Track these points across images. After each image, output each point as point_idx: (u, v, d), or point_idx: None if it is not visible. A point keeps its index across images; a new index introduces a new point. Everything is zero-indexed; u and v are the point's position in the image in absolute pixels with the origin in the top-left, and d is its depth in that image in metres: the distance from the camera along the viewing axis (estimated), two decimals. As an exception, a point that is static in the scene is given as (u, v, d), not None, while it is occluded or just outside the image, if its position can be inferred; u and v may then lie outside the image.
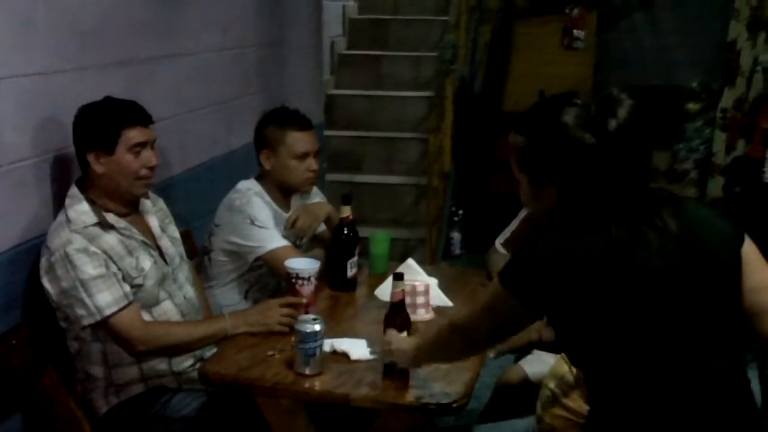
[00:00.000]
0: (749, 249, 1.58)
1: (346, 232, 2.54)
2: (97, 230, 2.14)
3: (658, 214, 1.52)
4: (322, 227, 2.77)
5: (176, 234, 2.43)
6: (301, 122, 2.70)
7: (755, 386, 1.72)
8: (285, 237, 2.64)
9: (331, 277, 2.58)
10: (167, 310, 2.28)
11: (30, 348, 2.12)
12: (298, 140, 2.67)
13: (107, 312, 2.08)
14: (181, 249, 2.43)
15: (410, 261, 2.46)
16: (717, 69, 5.24)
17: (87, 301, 2.06)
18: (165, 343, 2.17)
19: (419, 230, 4.91)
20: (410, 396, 1.88)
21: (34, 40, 2.19)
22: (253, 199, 2.64)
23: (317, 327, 1.92)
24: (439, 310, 2.35)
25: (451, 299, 2.41)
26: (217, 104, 3.41)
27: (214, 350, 2.28)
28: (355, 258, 2.56)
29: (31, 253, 2.19)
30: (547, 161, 1.56)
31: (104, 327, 2.11)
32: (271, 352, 2.06)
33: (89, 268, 2.07)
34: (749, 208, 4.12)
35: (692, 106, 5.34)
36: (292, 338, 1.98)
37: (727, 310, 1.55)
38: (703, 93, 5.35)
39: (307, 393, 1.93)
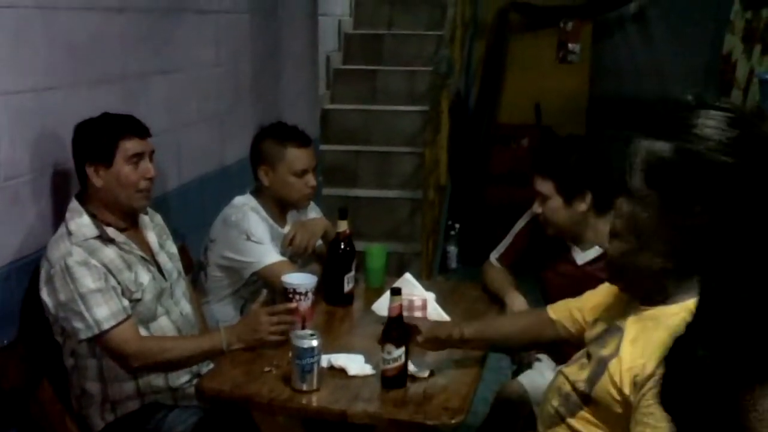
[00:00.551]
0: None
1: (342, 246, 2.54)
2: (97, 243, 2.15)
3: None
4: (319, 242, 2.77)
5: (174, 249, 2.44)
6: (300, 139, 2.71)
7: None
8: (281, 253, 2.64)
9: (328, 291, 2.57)
10: (164, 325, 2.28)
11: (25, 364, 2.11)
12: (298, 157, 2.68)
13: (105, 326, 2.08)
14: (179, 264, 2.43)
15: (408, 275, 2.46)
16: (711, 81, 5.26)
17: (85, 314, 2.06)
18: (160, 359, 2.17)
19: (415, 244, 4.91)
20: (408, 412, 1.87)
21: (27, 56, 2.20)
22: (249, 214, 2.64)
23: (314, 342, 1.92)
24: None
25: (449, 313, 2.40)
26: (211, 119, 3.42)
27: (211, 366, 2.28)
28: (352, 272, 2.57)
29: (28, 268, 2.19)
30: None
31: (100, 341, 2.10)
32: (267, 368, 2.06)
33: (89, 281, 2.07)
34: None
35: (687, 119, 5.34)
36: (289, 353, 1.98)
37: None
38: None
39: (304, 409, 1.92)
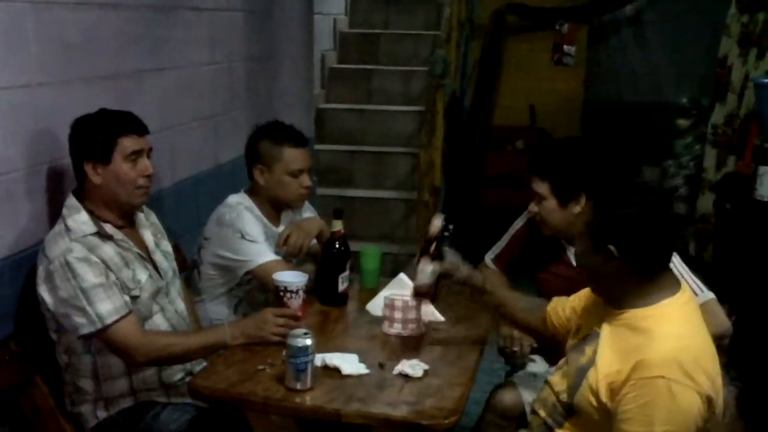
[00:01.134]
0: None
1: (337, 246, 2.55)
2: (96, 240, 2.15)
3: None
4: (313, 242, 2.78)
5: (169, 248, 2.44)
6: (297, 139, 2.72)
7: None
8: (276, 252, 2.65)
9: (322, 291, 2.58)
10: (159, 323, 2.28)
11: (18, 361, 2.11)
12: (294, 157, 2.68)
13: (108, 320, 2.08)
14: (174, 263, 2.44)
15: (402, 276, 2.47)
16: (707, 85, 5.29)
17: (88, 309, 2.07)
18: (164, 353, 2.17)
19: (410, 245, 4.92)
20: (402, 411, 1.88)
21: (21, 53, 2.20)
22: (243, 214, 2.65)
23: (308, 341, 1.93)
24: (430, 325, 2.36)
25: (443, 314, 2.41)
26: (204, 118, 3.42)
27: (204, 364, 2.29)
28: (347, 272, 2.57)
29: (22, 265, 2.20)
30: None
31: (103, 336, 2.11)
32: (261, 367, 2.06)
33: (90, 277, 2.08)
34: (740, 224, 4.15)
35: (682, 122, 5.38)
36: (283, 353, 1.99)
37: None
38: (693, 109, 5.39)
39: (298, 408, 1.93)
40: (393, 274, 2.61)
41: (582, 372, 1.84)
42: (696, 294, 2.17)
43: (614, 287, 1.81)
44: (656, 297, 1.77)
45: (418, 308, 2.31)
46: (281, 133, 2.72)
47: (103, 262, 2.12)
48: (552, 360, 2.38)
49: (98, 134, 2.17)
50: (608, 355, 1.78)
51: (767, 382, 1.25)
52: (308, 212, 2.90)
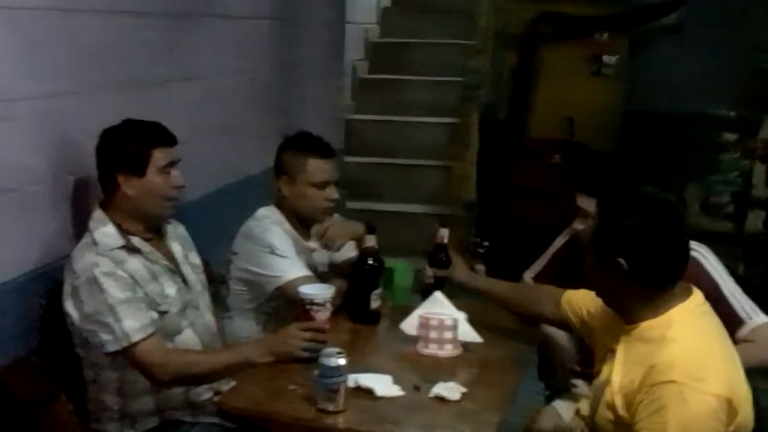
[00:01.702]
0: None
1: (370, 262, 2.54)
2: (123, 254, 2.16)
3: None
4: (350, 253, 2.76)
5: (197, 261, 2.45)
6: (322, 150, 2.71)
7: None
8: (307, 262, 2.64)
9: (353, 309, 2.56)
10: (188, 339, 2.28)
11: (42, 376, 2.12)
12: (319, 169, 2.67)
13: (135, 338, 2.09)
14: (203, 276, 2.44)
15: (438, 294, 2.44)
16: (753, 97, 5.22)
17: (114, 326, 2.07)
18: (188, 372, 2.17)
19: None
20: (438, 436, 1.86)
21: (45, 62, 2.23)
22: (272, 227, 2.64)
23: (341, 361, 1.91)
24: (467, 346, 2.34)
25: (480, 334, 2.38)
26: (230, 129, 3.44)
27: (233, 383, 2.28)
28: (380, 289, 2.56)
29: (47, 278, 2.21)
30: None
31: (128, 354, 2.11)
32: (291, 386, 2.05)
33: (117, 292, 2.09)
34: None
35: (728, 136, 5.31)
36: (314, 372, 1.97)
37: None
38: (739, 123, 5.32)
39: (329, 430, 1.91)
40: (422, 292, 2.58)
41: (599, 391, 1.85)
42: (744, 319, 2.14)
43: (624, 300, 1.83)
44: (667, 306, 1.78)
45: (454, 328, 2.29)
46: (306, 143, 2.72)
47: (131, 276, 2.13)
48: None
49: (132, 146, 2.19)
50: (623, 369, 1.80)
51: None
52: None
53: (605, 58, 6.05)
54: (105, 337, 2.09)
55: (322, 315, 2.23)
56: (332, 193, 2.70)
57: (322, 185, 2.67)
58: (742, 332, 2.14)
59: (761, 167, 4.92)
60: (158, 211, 2.26)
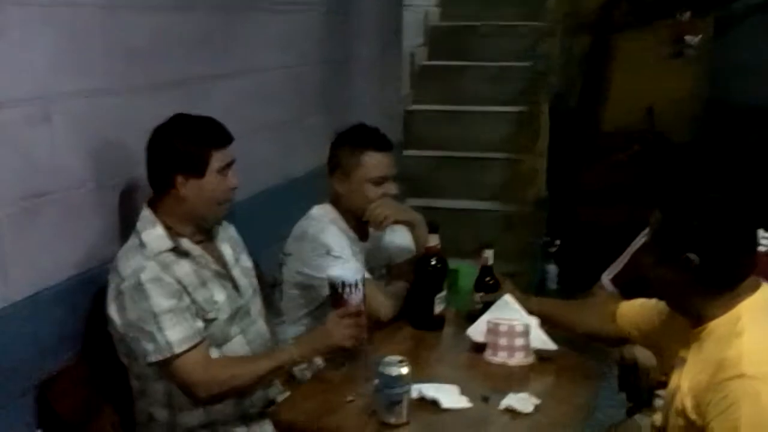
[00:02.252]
0: None
1: (433, 263, 2.52)
2: (171, 257, 2.18)
3: None
4: (399, 239, 2.74)
5: (248, 264, 2.46)
6: (378, 143, 2.69)
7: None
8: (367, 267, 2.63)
9: (415, 314, 2.55)
10: (238, 347, 2.29)
11: (87, 387, 2.16)
12: (375, 163, 2.66)
13: (177, 349, 2.10)
14: (254, 280, 2.45)
15: (507, 297, 2.41)
16: None
17: (157, 335, 2.09)
18: (228, 386, 2.18)
19: (507, 264, 4.84)
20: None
21: (85, 60, 2.26)
22: (327, 227, 2.64)
23: (404, 370, 1.90)
24: (540, 353, 2.31)
25: (554, 341, 2.34)
26: (277, 127, 3.45)
27: (287, 393, 2.28)
28: (444, 293, 2.54)
29: (91, 283, 2.24)
30: None
31: (168, 366, 2.13)
32: (350, 397, 2.05)
33: (162, 300, 2.10)
34: None
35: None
36: (374, 382, 1.96)
37: None
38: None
39: (392, 444, 1.90)
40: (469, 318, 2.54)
41: (670, 400, 1.85)
42: None
43: (690, 300, 1.82)
44: (735, 302, 1.78)
45: (525, 334, 2.26)
46: (361, 136, 2.71)
47: (179, 281, 2.15)
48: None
49: (192, 146, 2.21)
50: (691, 372, 1.79)
51: None
52: (400, 230, 2.85)
53: (687, 38, 5.92)
54: (147, 346, 2.11)
55: (356, 297, 2.22)
56: (390, 188, 2.68)
57: (379, 181, 2.66)
58: None
59: None
60: (213, 214, 2.28)
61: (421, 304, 2.53)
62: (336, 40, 3.92)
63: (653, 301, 2.06)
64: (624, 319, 2.15)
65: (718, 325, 1.78)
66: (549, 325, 2.34)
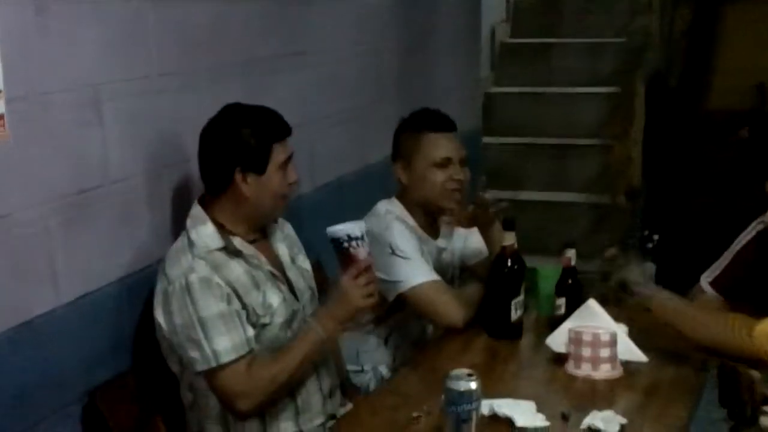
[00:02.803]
0: None
1: (509, 264, 2.50)
2: (222, 256, 2.20)
3: None
4: (480, 253, 2.73)
5: (307, 265, 2.46)
6: (437, 123, 2.70)
7: None
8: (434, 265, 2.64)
9: (489, 321, 2.54)
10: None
11: (137, 400, 2.20)
12: (435, 144, 2.66)
13: (224, 359, 2.12)
14: (312, 282, 2.46)
15: (591, 302, 2.38)
16: None
17: (203, 343, 2.11)
18: (271, 390, 2.18)
19: (599, 261, 4.78)
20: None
21: (140, 45, 2.30)
22: (393, 224, 2.64)
23: (473, 385, 1.88)
24: (629, 367, 2.27)
25: (644, 351, 2.31)
26: (349, 113, 3.47)
27: (348, 405, 2.29)
28: (521, 297, 2.52)
29: (142, 286, 2.28)
30: None
31: (212, 376, 2.14)
32: (416, 414, 2.05)
33: (210, 304, 2.12)
34: None
35: None
36: (441, 398, 1.95)
37: None
38: None
39: (461, 465, 1.90)
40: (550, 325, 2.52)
41: None
42: None
43: None
44: None
45: (612, 344, 2.22)
46: (420, 119, 2.73)
47: (229, 284, 2.16)
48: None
49: (254, 139, 2.22)
50: None
51: None
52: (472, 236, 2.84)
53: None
54: (193, 354, 2.13)
55: (363, 250, 2.22)
56: (456, 171, 2.67)
57: (442, 163, 2.65)
58: None
59: None
60: (272, 212, 2.31)
61: (497, 309, 2.51)
62: (410, 18, 3.92)
63: None
64: (765, 339, 2.08)
65: None
66: (667, 326, 2.31)
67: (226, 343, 2.12)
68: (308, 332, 2.24)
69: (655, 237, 5.16)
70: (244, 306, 2.18)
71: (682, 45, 5.97)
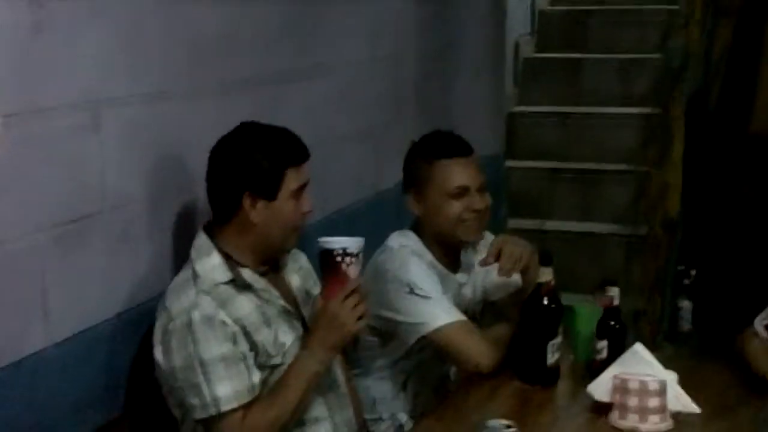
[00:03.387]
0: None
1: (546, 302, 2.48)
2: (229, 290, 2.19)
3: None
4: (506, 285, 2.71)
5: (323, 300, 2.45)
6: (452, 148, 2.68)
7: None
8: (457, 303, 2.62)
9: (523, 365, 2.52)
10: (311, 400, 2.27)
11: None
12: (450, 172, 2.64)
13: (225, 407, 2.10)
14: None
15: (639, 347, 2.36)
16: None
17: (203, 387, 2.10)
18: (273, 430, 2.18)
19: (633, 299, 4.77)
20: None
21: (142, 57, 2.29)
22: (409, 260, 2.62)
23: (512, 437, 1.87)
24: (679, 418, 2.25)
25: (696, 401, 2.29)
26: (363, 133, 3.48)
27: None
28: (559, 339, 2.50)
29: (140, 322, 2.26)
30: None
31: (210, 425, 2.12)
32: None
33: (213, 345, 2.10)
34: None
35: None
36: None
37: None
38: None
39: None
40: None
41: None
42: None
43: None
44: None
45: (661, 393, 2.20)
46: (431, 144, 2.71)
47: (236, 321, 2.14)
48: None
49: (265, 162, 2.21)
50: None
51: None
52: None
53: None
54: (193, 400, 2.11)
55: (355, 269, 2.20)
56: (475, 202, 2.64)
57: (458, 192, 2.63)
58: None
59: None
60: (282, 243, 2.29)
61: (532, 352, 2.50)
62: (431, 31, 3.94)
63: None
64: None
65: None
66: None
67: (227, 389, 2.10)
68: (302, 367, 2.22)
69: (692, 272, 5.14)
70: (254, 345, 2.17)
71: (723, 63, 5.98)
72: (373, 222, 3.27)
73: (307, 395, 2.23)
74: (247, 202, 2.20)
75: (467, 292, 2.80)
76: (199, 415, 2.11)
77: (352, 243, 2.21)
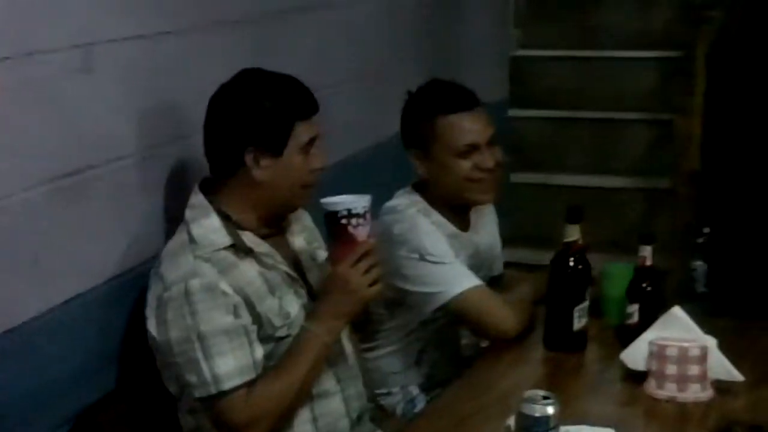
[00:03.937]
0: None
1: (572, 263, 2.51)
2: (230, 256, 2.18)
3: None
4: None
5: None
6: (456, 101, 2.67)
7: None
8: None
9: (549, 330, 2.56)
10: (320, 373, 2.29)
11: (128, 425, 2.19)
12: (456, 128, 2.64)
13: (226, 385, 2.10)
14: None
15: (676, 309, 2.39)
16: None
17: (202, 364, 2.09)
18: (279, 412, 2.18)
19: (657, 257, 4.79)
20: None
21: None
22: (417, 222, 2.64)
23: (550, 410, 1.89)
24: (721, 385, 2.28)
25: (739, 369, 2.31)
26: (365, 75, 3.50)
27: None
28: (586, 303, 2.53)
29: (135, 287, 2.27)
30: None
31: (210, 404, 2.13)
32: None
33: (214, 315, 2.10)
34: None
35: None
36: (509, 423, 1.96)
37: None
38: None
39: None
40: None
41: None
42: None
43: None
44: None
45: (702, 360, 2.24)
46: (432, 98, 2.71)
47: (239, 290, 2.14)
48: None
49: (270, 114, 2.20)
50: None
51: None
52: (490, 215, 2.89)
53: None
54: (190, 377, 2.11)
55: (363, 230, 2.20)
56: (486, 160, 2.65)
57: (466, 151, 2.64)
58: None
59: None
60: (290, 202, 2.29)
61: (557, 317, 2.54)
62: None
63: None
64: None
65: None
66: None
67: (229, 365, 2.10)
68: (310, 337, 2.22)
69: (705, 230, 5.16)
70: (257, 317, 2.17)
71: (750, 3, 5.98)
72: (378, 173, 3.26)
73: (317, 368, 2.23)
74: (249, 158, 2.19)
75: (483, 250, 2.83)
76: (198, 393, 2.11)
77: (356, 202, 2.20)
